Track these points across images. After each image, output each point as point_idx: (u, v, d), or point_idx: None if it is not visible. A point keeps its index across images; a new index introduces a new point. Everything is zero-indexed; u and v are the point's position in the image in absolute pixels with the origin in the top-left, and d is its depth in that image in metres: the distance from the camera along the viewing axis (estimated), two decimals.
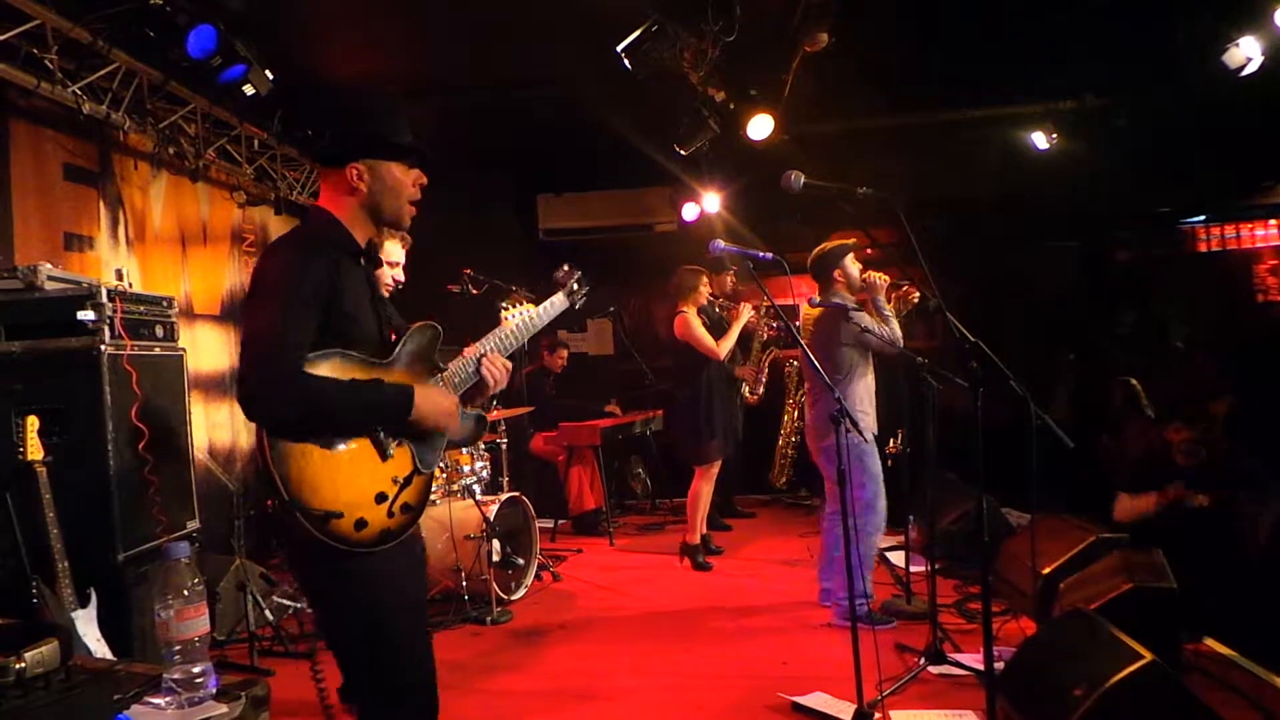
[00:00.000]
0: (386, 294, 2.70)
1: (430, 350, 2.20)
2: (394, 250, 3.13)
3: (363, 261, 2.14)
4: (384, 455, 2.01)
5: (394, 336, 2.17)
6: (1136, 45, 5.35)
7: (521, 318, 2.38)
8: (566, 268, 2.58)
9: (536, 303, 2.45)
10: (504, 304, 2.46)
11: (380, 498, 1.98)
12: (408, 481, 2.05)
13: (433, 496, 3.77)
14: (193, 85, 4.98)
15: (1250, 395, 5.04)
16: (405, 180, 2.09)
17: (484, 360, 2.25)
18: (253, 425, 1.89)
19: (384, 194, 2.08)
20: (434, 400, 2.07)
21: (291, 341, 1.89)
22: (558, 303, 2.50)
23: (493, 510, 4.71)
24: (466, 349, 2.31)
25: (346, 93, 2.23)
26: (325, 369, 1.94)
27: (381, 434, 2.01)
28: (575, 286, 2.55)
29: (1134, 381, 5.44)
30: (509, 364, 2.31)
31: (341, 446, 1.95)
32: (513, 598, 4.99)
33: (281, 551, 1.80)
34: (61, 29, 4.03)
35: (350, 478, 1.94)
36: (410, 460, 2.07)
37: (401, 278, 3.20)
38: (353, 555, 1.93)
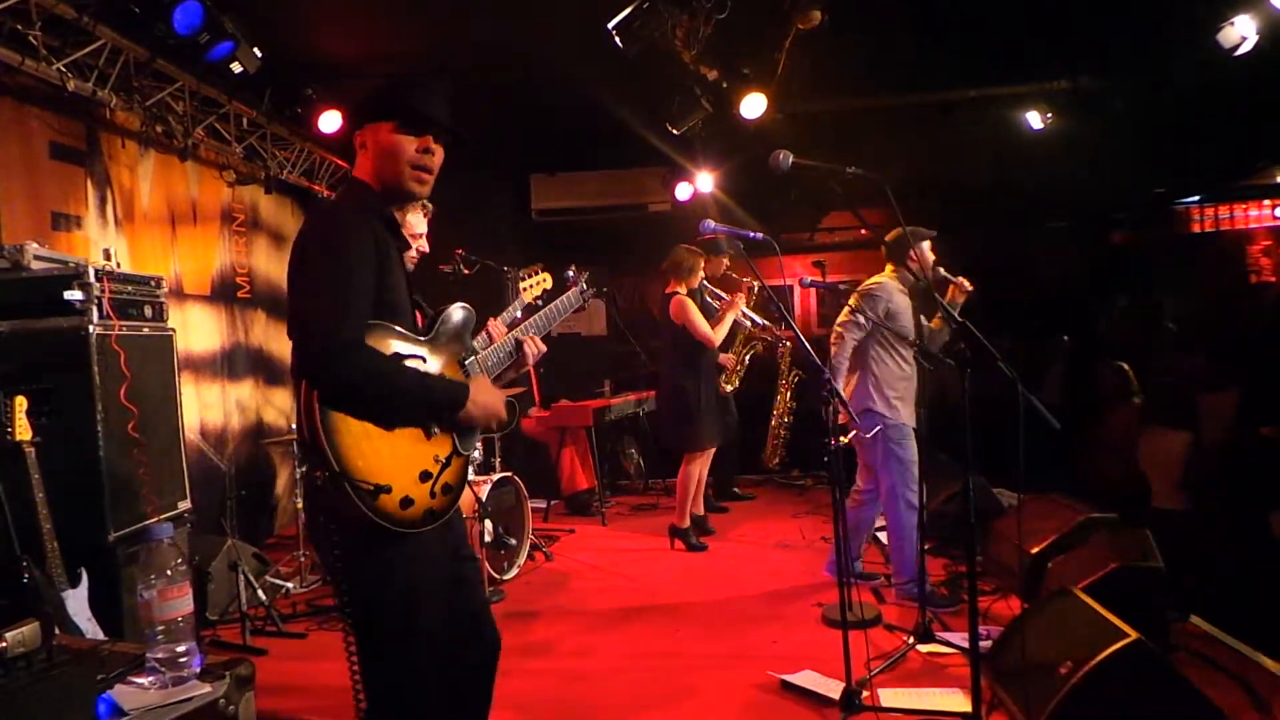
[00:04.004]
0: (411, 266, 2.68)
1: (464, 331, 2.21)
2: (416, 222, 3.10)
3: (392, 235, 2.13)
4: (429, 433, 2.00)
5: (420, 317, 2.17)
6: (1131, 26, 5.32)
7: (544, 285, 2.50)
8: (575, 269, 2.77)
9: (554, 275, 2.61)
10: (522, 274, 2.53)
11: (424, 476, 1.97)
12: (448, 462, 2.05)
13: None
14: (180, 62, 4.91)
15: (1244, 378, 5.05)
16: (402, 144, 2.01)
17: (526, 340, 2.33)
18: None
19: (381, 159, 2.03)
20: (488, 398, 2.07)
21: (354, 309, 1.85)
22: (571, 299, 2.66)
23: (485, 491, 4.72)
24: (490, 325, 2.33)
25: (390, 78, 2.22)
26: (371, 341, 1.90)
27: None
28: (585, 286, 2.72)
29: (1125, 366, 5.46)
30: (544, 345, 2.40)
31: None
32: (505, 578, 5.01)
33: (317, 528, 1.80)
34: (45, 5, 3.97)
35: (397, 453, 1.92)
36: (451, 442, 2.07)
37: (426, 248, 3.18)
38: (394, 536, 1.89)
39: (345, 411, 1.83)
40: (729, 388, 6.91)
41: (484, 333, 2.35)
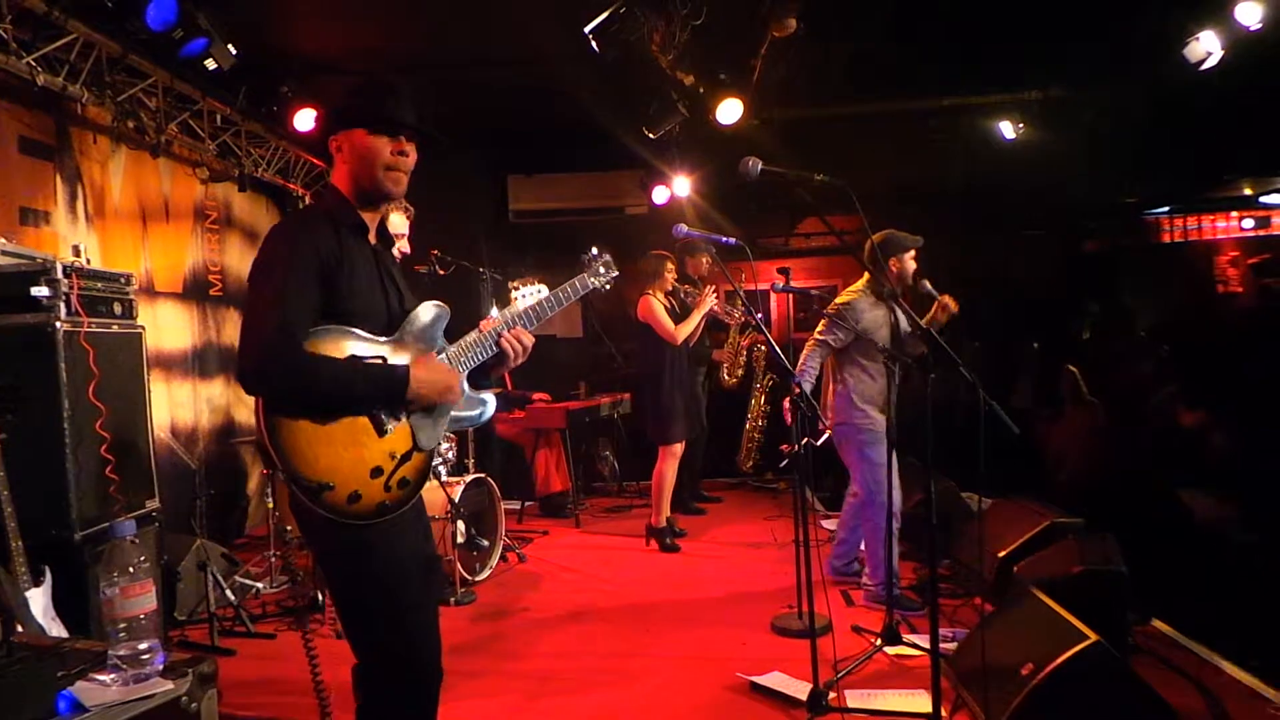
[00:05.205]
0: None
1: (435, 328, 2.20)
2: (398, 222, 3.07)
3: (371, 239, 2.15)
4: (380, 431, 2.02)
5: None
6: (1101, 38, 5.41)
7: (536, 297, 2.40)
8: (595, 250, 2.56)
9: (507, 277, 2.47)
10: (514, 283, 2.47)
11: (376, 472, 2.00)
12: (406, 457, 2.06)
13: None
14: (153, 58, 4.87)
15: (1206, 387, 5.15)
16: (376, 147, 2.06)
17: (504, 336, 2.27)
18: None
19: (357, 163, 2.08)
20: (432, 375, 2.08)
21: (290, 316, 1.90)
22: (580, 284, 2.46)
23: (458, 491, 4.71)
24: (483, 324, 2.31)
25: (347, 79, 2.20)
26: (326, 344, 1.95)
27: (380, 412, 2.02)
28: (603, 270, 2.52)
29: (1074, 369, 5.56)
30: (533, 339, 2.33)
31: (335, 421, 1.96)
32: (477, 579, 5.00)
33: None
34: None
35: (344, 452, 1.96)
36: (409, 437, 2.08)
37: (407, 249, 3.16)
38: (347, 526, 1.95)
39: (289, 413, 1.90)
40: (733, 380, 7.07)
41: (476, 330, 2.31)
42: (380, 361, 2.05)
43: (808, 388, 4.20)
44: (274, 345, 1.87)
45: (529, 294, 2.42)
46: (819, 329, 4.33)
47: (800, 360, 4.27)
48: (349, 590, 2.06)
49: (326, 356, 1.95)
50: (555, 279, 2.49)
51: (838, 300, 4.39)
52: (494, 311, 2.59)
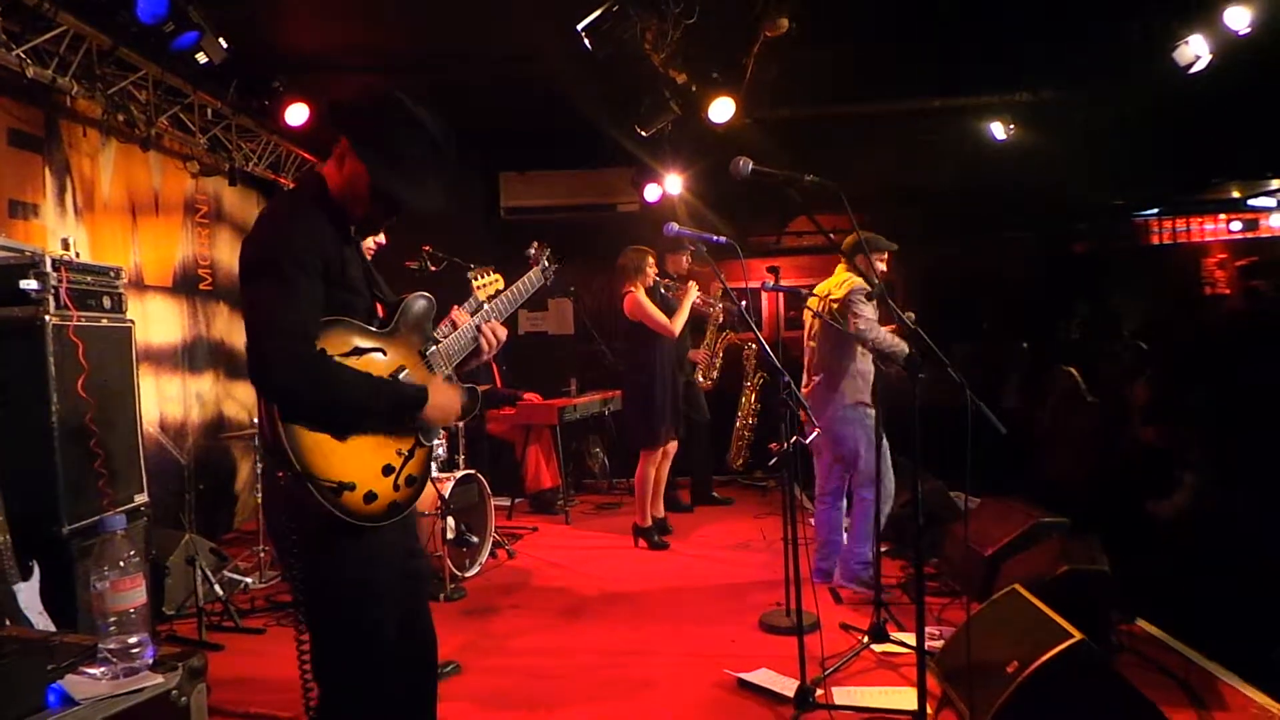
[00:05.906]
0: (368, 256, 2.68)
1: (424, 320, 2.22)
2: None
3: (352, 232, 2.14)
4: (389, 429, 2.03)
5: (380, 308, 2.16)
6: (1091, 41, 5.44)
7: (496, 286, 2.50)
8: (537, 245, 2.70)
9: (503, 274, 2.54)
10: (470, 272, 2.52)
11: (387, 470, 2.00)
12: (411, 453, 2.07)
13: None
14: (143, 51, 4.85)
15: (1189, 387, 5.18)
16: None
17: (484, 327, 2.31)
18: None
19: (349, 191, 2.04)
20: (443, 400, 2.10)
21: (308, 320, 1.88)
22: (534, 278, 2.62)
23: (447, 487, 4.71)
24: (454, 313, 2.33)
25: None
26: (329, 339, 1.93)
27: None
28: (547, 263, 2.68)
29: (1073, 371, 5.59)
30: (505, 330, 2.38)
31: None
32: (466, 575, 5.01)
33: (276, 524, 1.81)
34: None
35: (358, 450, 1.94)
36: (413, 433, 2.09)
37: (383, 240, 3.17)
38: (355, 531, 1.92)
39: (301, 425, 1.86)
40: (707, 383, 7.06)
41: (448, 320, 2.33)
42: (386, 361, 2.05)
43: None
44: (298, 355, 1.83)
45: (487, 284, 2.49)
46: (857, 313, 4.28)
47: (879, 341, 4.24)
48: (342, 599, 1.97)
49: (350, 368, 1.94)
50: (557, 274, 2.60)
51: (843, 288, 4.39)
52: (467, 303, 2.65)
